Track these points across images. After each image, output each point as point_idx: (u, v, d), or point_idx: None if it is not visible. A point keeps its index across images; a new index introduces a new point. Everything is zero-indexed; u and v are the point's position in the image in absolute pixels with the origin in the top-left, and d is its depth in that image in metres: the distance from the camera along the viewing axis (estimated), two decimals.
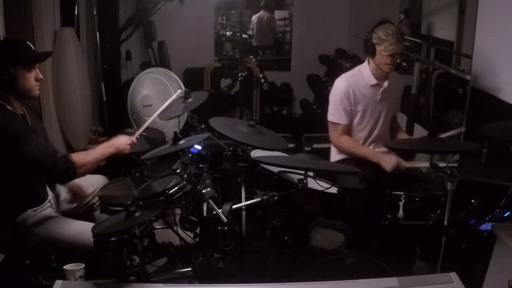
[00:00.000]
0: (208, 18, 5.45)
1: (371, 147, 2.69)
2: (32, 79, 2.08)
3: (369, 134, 2.68)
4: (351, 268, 2.00)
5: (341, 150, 2.70)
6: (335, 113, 2.62)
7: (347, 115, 2.60)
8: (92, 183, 2.51)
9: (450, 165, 1.93)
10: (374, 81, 2.59)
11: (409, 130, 3.26)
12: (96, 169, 2.22)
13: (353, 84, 2.59)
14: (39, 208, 2.15)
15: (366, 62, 2.63)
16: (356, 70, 2.66)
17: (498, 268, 1.87)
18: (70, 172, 2.07)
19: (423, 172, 2.76)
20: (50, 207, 2.25)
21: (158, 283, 1.80)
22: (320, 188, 2.07)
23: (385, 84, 2.61)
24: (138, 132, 2.48)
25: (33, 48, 2.12)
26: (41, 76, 2.12)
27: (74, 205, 2.42)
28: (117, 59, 4.73)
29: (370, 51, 2.52)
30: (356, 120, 2.65)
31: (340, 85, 2.60)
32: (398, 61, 2.55)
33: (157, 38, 5.10)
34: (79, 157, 2.10)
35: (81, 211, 2.45)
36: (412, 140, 2.55)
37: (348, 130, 2.65)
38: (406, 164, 2.42)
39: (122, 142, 2.29)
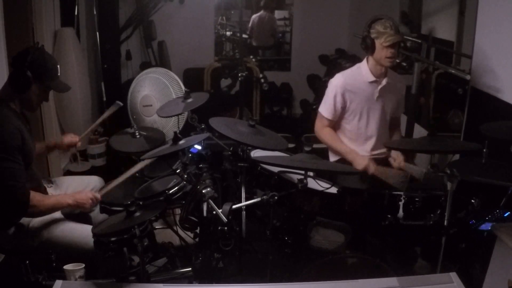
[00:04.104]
0: (208, 18, 5.45)
1: (369, 146, 2.69)
2: (40, 98, 2.12)
3: (367, 132, 2.68)
4: (351, 268, 2.00)
5: (321, 141, 2.75)
6: (325, 107, 2.66)
7: (335, 112, 2.64)
8: (87, 183, 2.51)
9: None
10: (372, 78, 2.60)
11: (409, 130, 3.26)
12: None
13: (350, 81, 2.60)
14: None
15: (364, 60, 2.64)
16: (354, 67, 2.68)
17: (498, 268, 1.87)
18: (22, 207, 1.97)
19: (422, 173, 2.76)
20: None
21: (158, 283, 1.80)
22: (320, 188, 2.07)
23: (384, 82, 2.61)
24: (104, 191, 2.25)
25: (59, 73, 2.14)
26: (48, 100, 2.16)
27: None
28: (117, 59, 4.73)
29: (369, 47, 2.53)
30: (353, 117, 2.65)
31: (337, 82, 2.62)
32: (397, 61, 2.55)
33: (157, 38, 5.10)
34: (34, 198, 1.99)
35: (77, 212, 2.45)
36: (412, 140, 2.55)
37: (332, 125, 2.70)
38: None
39: (83, 196, 2.14)
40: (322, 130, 2.70)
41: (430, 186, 2.17)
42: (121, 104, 2.74)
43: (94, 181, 2.57)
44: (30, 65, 2.01)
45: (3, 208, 1.99)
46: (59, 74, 2.15)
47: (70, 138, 2.51)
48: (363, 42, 2.56)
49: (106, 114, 2.67)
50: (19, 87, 2.02)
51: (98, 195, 2.18)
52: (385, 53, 2.49)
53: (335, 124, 2.71)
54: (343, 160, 2.69)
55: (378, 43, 2.49)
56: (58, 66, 2.14)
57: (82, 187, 2.46)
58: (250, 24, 5.60)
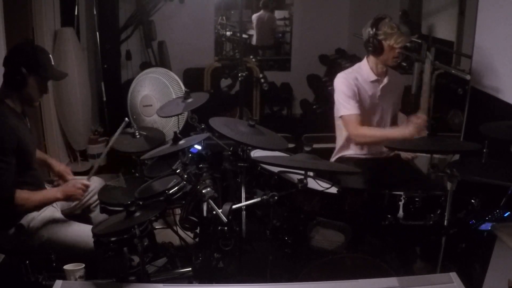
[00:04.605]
0: (208, 18, 5.45)
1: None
2: (39, 90, 2.12)
3: None
4: (351, 268, 2.00)
5: (363, 142, 2.60)
6: (344, 106, 2.54)
7: (356, 102, 2.53)
8: None
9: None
10: (373, 77, 2.59)
11: None
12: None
13: (352, 80, 2.59)
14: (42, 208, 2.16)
15: (365, 60, 2.63)
16: (355, 67, 2.67)
17: (498, 268, 1.87)
18: (6, 207, 1.97)
19: (423, 172, 2.76)
20: (52, 207, 2.25)
21: (158, 283, 1.80)
22: (320, 188, 2.07)
23: (385, 80, 2.61)
24: (91, 174, 2.38)
25: (52, 62, 2.14)
26: (48, 91, 2.16)
27: (72, 204, 2.42)
28: (117, 59, 4.73)
29: (377, 48, 2.51)
30: None
31: (341, 80, 2.60)
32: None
33: (157, 38, 5.11)
34: (20, 196, 1.99)
35: (78, 212, 2.45)
36: (412, 140, 2.54)
37: (362, 119, 2.54)
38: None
39: (71, 188, 2.16)
40: (358, 131, 2.53)
41: (430, 186, 2.17)
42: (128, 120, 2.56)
43: (94, 182, 2.56)
44: (23, 61, 2.01)
45: None
46: (52, 63, 2.15)
47: (64, 168, 2.41)
48: (369, 44, 2.53)
49: (115, 136, 2.51)
50: (16, 85, 2.03)
51: (87, 182, 2.22)
52: (393, 53, 2.50)
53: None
54: (344, 160, 2.69)
55: (386, 44, 2.48)
56: (50, 55, 2.15)
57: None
58: (251, 25, 5.61)
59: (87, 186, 2.26)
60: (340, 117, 2.58)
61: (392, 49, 2.48)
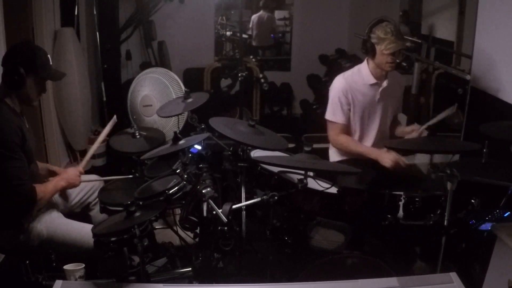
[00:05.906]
0: (208, 18, 5.45)
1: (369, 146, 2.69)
2: (38, 90, 2.13)
3: (368, 134, 2.68)
4: (351, 268, 2.00)
5: (339, 148, 2.70)
6: (332, 112, 2.62)
7: (344, 114, 2.60)
8: (86, 182, 2.51)
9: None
10: (373, 80, 2.58)
11: None
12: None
13: (352, 83, 2.58)
14: (43, 207, 2.16)
15: (365, 62, 2.62)
16: (355, 69, 2.65)
17: (498, 268, 1.87)
18: (30, 203, 2.03)
19: (423, 172, 2.76)
20: (52, 206, 2.26)
21: (158, 283, 1.80)
22: (320, 188, 2.07)
23: (385, 83, 2.60)
24: (84, 162, 2.50)
25: (50, 62, 2.16)
26: (46, 90, 2.17)
27: (72, 203, 2.42)
28: (117, 59, 4.72)
29: (370, 51, 2.51)
30: (354, 120, 2.64)
31: (339, 84, 2.60)
32: (397, 61, 2.54)
33: (157, 38, 5.10)
34: (39, 189, 2.06)
35: (78, 211, 2.46)
36: (412, 140, 2.54)
37: (345, 129, 2.64)
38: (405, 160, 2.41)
39: (70, 174, 2.29)
40: (337, 138, 2.63)
41: (430, 186, 2.17)
42: (116, 120, 2.69)
43: (93, 178, 2.58)
44: (21, 61, 2.02)
45: (13, 207, 2.02)
46: (51, 63, 2.16)
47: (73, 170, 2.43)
48: (363, 46, 2.53)
49: (104, 132, 2.63)
50: (14, 85, 2.04)
51: (81, 169, 2.36)
52: (386, 59, 2.47)
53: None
54: (345, 161, 2.69)
55: (378, 49, 2.47)
56: (49, 55, 2.16)
57: (82, 185, 2.46)
58: (250, 25, 5.61)
59: (82, 173, 2.38)
60: (326, 119, 2.66)
61: (383, 54, 2.46)
